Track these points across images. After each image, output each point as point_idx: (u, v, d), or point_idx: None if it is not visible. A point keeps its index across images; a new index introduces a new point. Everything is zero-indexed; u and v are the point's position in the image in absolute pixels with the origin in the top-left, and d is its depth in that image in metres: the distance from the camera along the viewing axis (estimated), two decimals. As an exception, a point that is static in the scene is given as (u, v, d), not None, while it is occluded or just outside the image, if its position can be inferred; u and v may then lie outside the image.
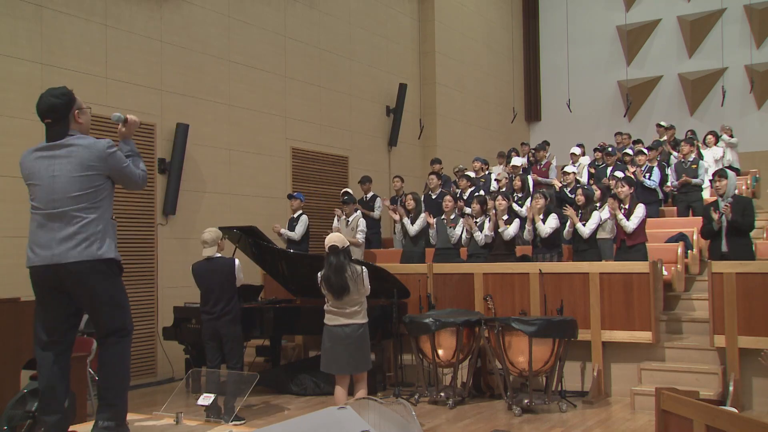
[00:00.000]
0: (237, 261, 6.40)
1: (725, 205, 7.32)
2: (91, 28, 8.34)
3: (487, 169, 12.18)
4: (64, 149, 3.74)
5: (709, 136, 12.52)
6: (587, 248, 8.18)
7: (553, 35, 18.39)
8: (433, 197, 10.65)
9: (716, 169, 7.94)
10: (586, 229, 8.16)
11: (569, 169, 10.32)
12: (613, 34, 17.81)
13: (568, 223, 8.41)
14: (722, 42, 16.47)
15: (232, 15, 10.21)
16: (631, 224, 7.90)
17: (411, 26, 14.45)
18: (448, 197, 9.29)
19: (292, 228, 9.61)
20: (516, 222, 8.54)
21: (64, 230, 3.67)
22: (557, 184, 10.29)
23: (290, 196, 9.85)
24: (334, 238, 5.75)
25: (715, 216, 7.38)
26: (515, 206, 9.76)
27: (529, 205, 9.05)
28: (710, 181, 11.52)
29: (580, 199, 8.35)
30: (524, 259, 8.61)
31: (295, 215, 9.67)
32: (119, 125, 4.05)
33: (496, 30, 17.41)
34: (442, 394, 7.08)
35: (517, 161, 11.68)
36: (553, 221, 8.42)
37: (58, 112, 3.75)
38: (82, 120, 3.86)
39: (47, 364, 3.76)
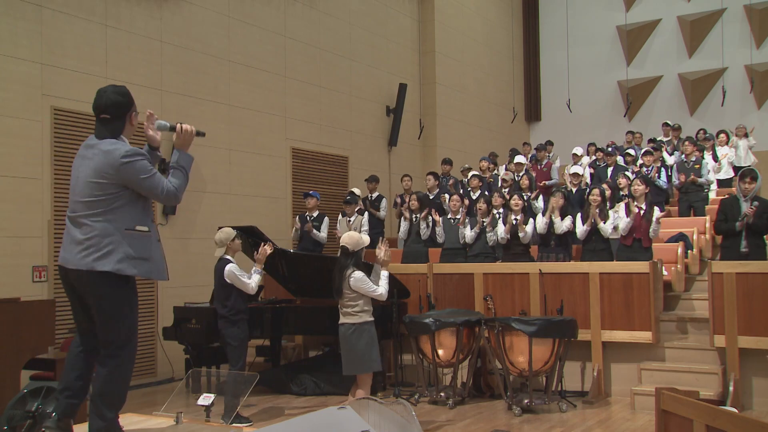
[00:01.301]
0: (230, 266, 6.35)
1: (752, 208, 7.22)
2: (91, 28, 8.34)
3: (495, 168, 12.20)
4: (94, 152, 3.65)
5: (722, 135, 12.49)
6: (604, 248, 8.12)
7: (553, 35, 18.39)
8: (431, 197, 10.64)
9: (746, 170, 7.74)
10: (608, 228, 8.10)
11: (577, 170, 10.28)
12: (613, 34, 17.81)
13: (583, 224, 8.36)
14: (722, 42, 16.47)
15: (232, 15, 10.21)
16: (658, 230, 7.98)
17: (411, 26, 14.45)
18: (455, 197, 9.26)
19: (303, 224, 9.63)
20: (531, 223, 8.47)
21: (74, 235, 3.63)
22: (569, 185, 10.21)
23: (306, 195, 9.82)
24: (345, 239, 5.73)
25: (750, 212, 7.24)
26: (536, 203, 9.76)
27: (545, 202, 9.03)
28: (719, 180, 11.54)
29: (596, 199, 8.27)
30: (528, 258, 8.58)
31: (315, 215, 9.64)
32: (173, 135, 3.88)
33: (496, 30, 17.41)
34: (442, 394, 7.08)
35: (521, 159, 11.71)
36: (568, 221, 8.36)
37: (120, 109, 3.72)
38: (134, 122, 3.83)
39: (71, 352, 3.81)
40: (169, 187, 3.70)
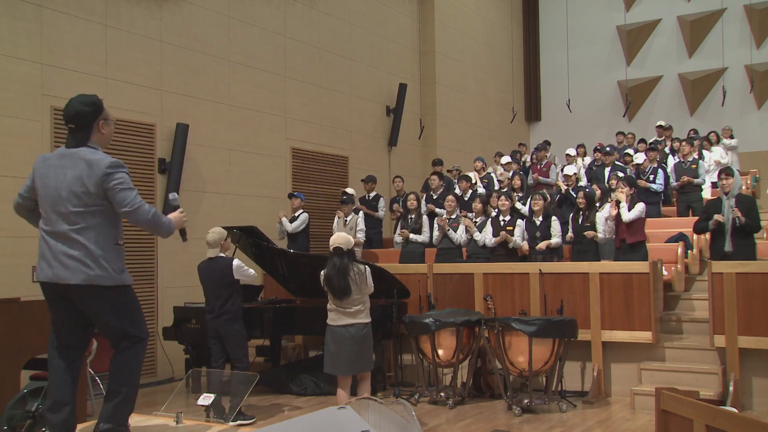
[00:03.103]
0: (236, 261, 6.41)
1: (735, 208, 7.26)
2: (91, 28, 8.34)
3: (488, 169, 12.20)
4: (73, 161, 3.64)
5: (711, 136, 12.55)
6: (587, 249, 8.17)
7: (553, 35, 18.40)
8: (435, 197, 10.64)
9: (720, 168, 7.98)
10: (599, 233, 8.11)
11: (570, 170, 10.31)
12: (613, 34, 17.81)
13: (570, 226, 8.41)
14: (722, 42, 16.47)
15: (232, 15, 10.21)
16: (629, 214, 7.83)
17: (411, 26, 14.45)
18: (450, 197, 9.27)
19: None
20: (520, 227, 8.50)
21: (63, 249, 3.60)
22: (563, 186, 10.24)
23: (290, 196, 9.87)
24: (338, 239, 5.72)
25: (721, 219, 7.30)
26: (518, 204, 9.78)
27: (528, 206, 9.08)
28: (713, 182, 11.57)
29: (582, 201, 8.33)
30: (524, 259, 8.60)
31: (296, 214, 9.68)
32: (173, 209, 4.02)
33: (496, 30, 17.41)
34: (442, 394, 7.08)
35: (505, 159, 11.79)
36: (557, 225, 8.39)
37: (83, 119, 3.69)
38: (105, 131, 3.78)
39: (59, 367, 3.74)
40: (147, 206, 3.68)
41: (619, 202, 7.95)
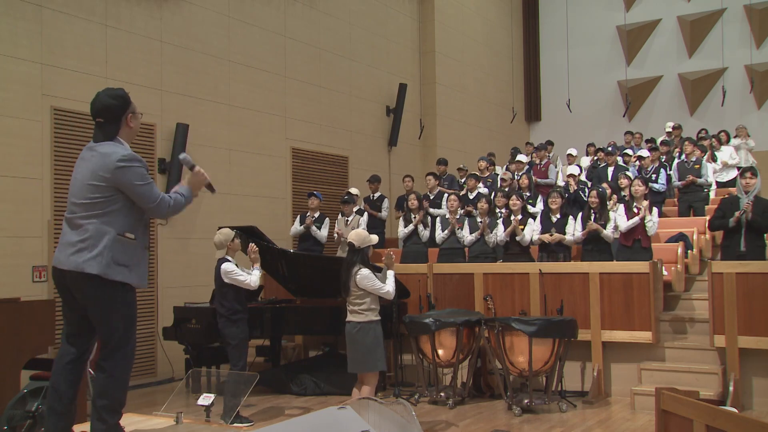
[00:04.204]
0: (225, 264, 6.35)
1: (747, 203, 7.18)
2: (91, 28, 8.34)
3: (493, 168, 12.19)
4: (93, 154, 3.69)
5: (721, 135, 12.54)
6: (604, 248, 8.12)
7: (553, 35, 18.40)
8: (431, 197, 10.63)
9: (745, 167, 7.78)
10: (609, 233, 8.07)
11: (575, 171, 10.26)
12: (613, 34, 17.81)
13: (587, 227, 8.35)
14: (722, 42, 16.47)
15: (232, 15, 10.22)
16: (655, 228, 7.93)
17: (411, 26, 14.45)
18: (453, 197, 9.24)
19: (303, 223, 9.64)
20: (530, 224, 8.46)
21: (69, 236, 3.65)
22: (572, 187, 10.18)
23: (310, 195, 9.82)
24: (352, 236, 5.68)
25: (742, 212, 7.13)
26: (531, 207, 9.74)
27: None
28: (718, 182, 11.56)
29: (594, 201, 8.25)
30: (531, 258, 8.57)
31: (317, 215, 9.65)
32: (187, 169, 3.96)
33: (496, 30, 17.42)
34: (442, 394, 7.08)
35: (522, 157, 11.72)
36: (574, 225, 8.34)
37: (112, 113, 3.72)
38: (132, 124, 3.82)
39: (60, 364, 3.74)
40: (165, 198, 3.75)
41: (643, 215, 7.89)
